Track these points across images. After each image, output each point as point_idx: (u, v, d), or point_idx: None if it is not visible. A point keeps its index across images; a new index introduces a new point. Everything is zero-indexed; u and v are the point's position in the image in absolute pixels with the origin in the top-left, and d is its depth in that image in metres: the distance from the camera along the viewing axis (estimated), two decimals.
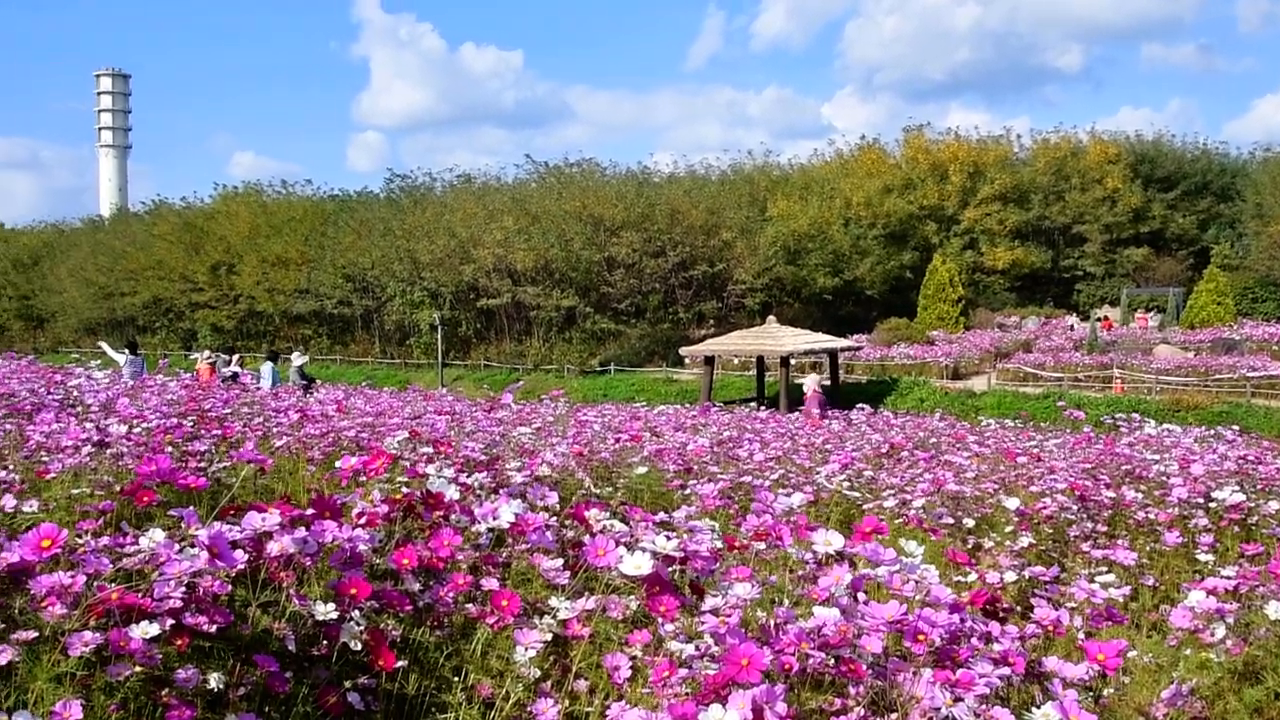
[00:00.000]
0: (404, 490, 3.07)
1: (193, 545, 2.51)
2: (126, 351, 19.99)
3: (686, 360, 40.74)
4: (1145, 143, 64.13)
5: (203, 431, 6.25)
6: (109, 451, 5.03)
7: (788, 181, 62.40)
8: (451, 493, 2.96)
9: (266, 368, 20.34)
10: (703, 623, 2.37)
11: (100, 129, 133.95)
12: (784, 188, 60.24)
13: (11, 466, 4.71)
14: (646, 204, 51.84)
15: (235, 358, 24.17)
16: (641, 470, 6.38)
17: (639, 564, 2.64)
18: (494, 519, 2.88)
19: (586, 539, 2.88)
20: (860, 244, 56.21)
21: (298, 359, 21.64)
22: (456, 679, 2.82)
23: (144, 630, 2.19)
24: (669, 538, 2.76)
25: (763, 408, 19.36)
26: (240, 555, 2.40)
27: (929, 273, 51.96)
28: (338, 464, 2.92)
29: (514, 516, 2.93)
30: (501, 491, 3.37)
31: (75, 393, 7.89)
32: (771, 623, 2.32)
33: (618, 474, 6.50)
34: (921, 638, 2.37)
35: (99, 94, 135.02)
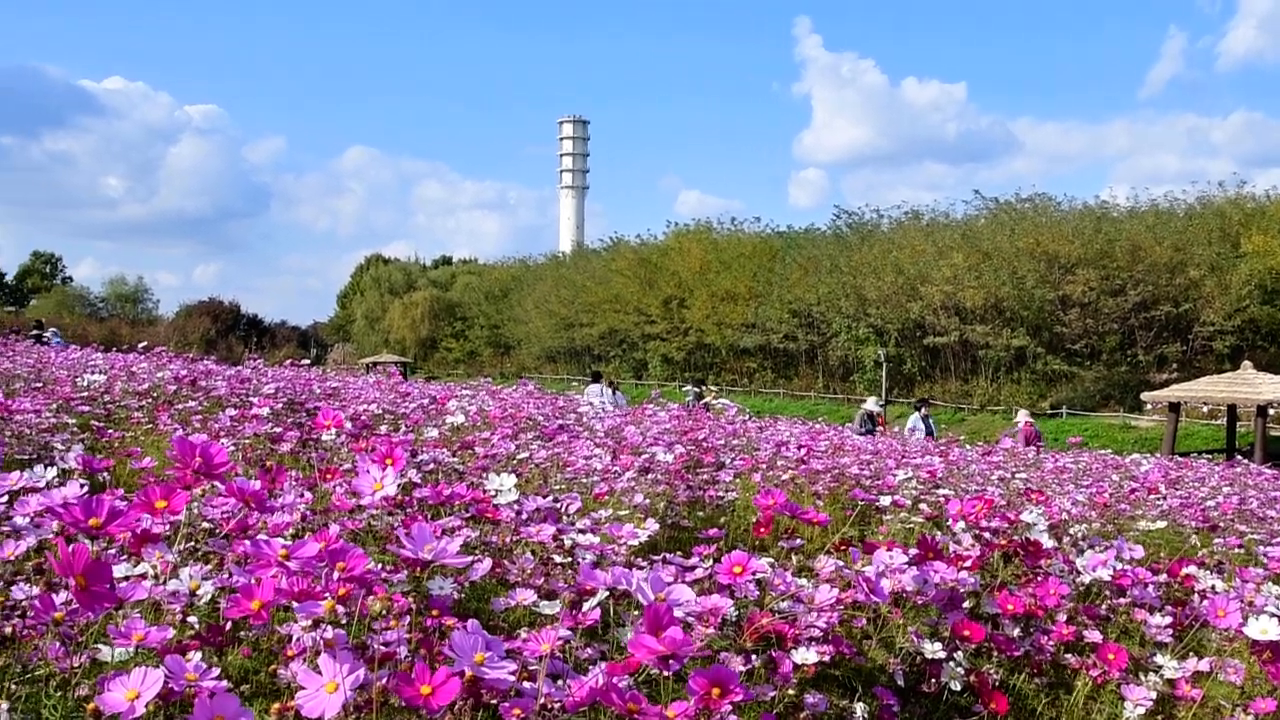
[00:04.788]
0: (988, 534, 3.12)
1: (820, 580, 2.68)
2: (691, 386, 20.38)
3: (1146, 406, 38.41)
4: None
5: (704, 461, 6.60)
6: (649, 476, 5.49)
7: (1264, 215, 57.34)
8: (1048, 541, 2.99)
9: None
10: None
11: (561, 171, 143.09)
12: (1260, 221, 55.40)
13: (558, 485, 5.22)
14: (1105, 240, 49.27)
15: (703, 388, 25.09)
16: (1160, 524, 6.14)
17: (1265, 628, 2.56)
18: (1098, 570, 2.87)
19: (1195, 598, 2.83)
20: None
21: (873, 405, 21.53)
22: None
23: (803, 656, 2.34)
24: None
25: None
26: (886, 588, 2.53)
27: None
28: (948, 508, 3.01)
29: (1113, 570, 2.91)
30: (1085, 542, 3.35)
31: (582, 419, 8.55)
32: None
33: (1125, 526, 6.29)
34: None
35: (561, 139, 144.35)
